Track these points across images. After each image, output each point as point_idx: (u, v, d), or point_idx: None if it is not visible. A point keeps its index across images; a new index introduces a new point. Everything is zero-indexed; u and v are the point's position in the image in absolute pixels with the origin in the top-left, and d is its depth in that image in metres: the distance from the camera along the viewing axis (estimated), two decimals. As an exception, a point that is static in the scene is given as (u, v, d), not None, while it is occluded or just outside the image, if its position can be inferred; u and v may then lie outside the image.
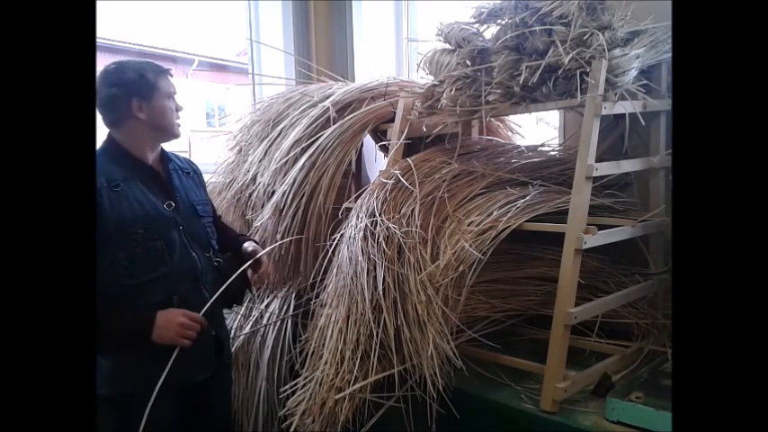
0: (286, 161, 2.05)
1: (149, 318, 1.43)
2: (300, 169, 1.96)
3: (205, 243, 1.62)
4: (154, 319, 1.42)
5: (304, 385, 1.48)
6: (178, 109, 1.58)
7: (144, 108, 1.49)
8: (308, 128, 2.11)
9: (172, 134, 1.58)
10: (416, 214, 1.57)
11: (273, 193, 2.08)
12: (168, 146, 1.66)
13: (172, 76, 1.58)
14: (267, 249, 1.82)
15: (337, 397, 1.38)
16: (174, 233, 1.52)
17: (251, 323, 2.12)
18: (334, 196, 1.97)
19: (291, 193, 1.93)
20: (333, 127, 2.05)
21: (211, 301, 1.53)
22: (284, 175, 2.03)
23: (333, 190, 1.96)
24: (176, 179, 1.62)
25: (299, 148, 2.06)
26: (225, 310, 1.75)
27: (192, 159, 1.78)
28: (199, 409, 1.61)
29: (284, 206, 1.95)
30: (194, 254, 1.55)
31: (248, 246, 1.76)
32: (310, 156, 1.98)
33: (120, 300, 1.42)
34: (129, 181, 1.48)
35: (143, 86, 1.49)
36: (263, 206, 2.16)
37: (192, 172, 1.71)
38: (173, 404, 1.50)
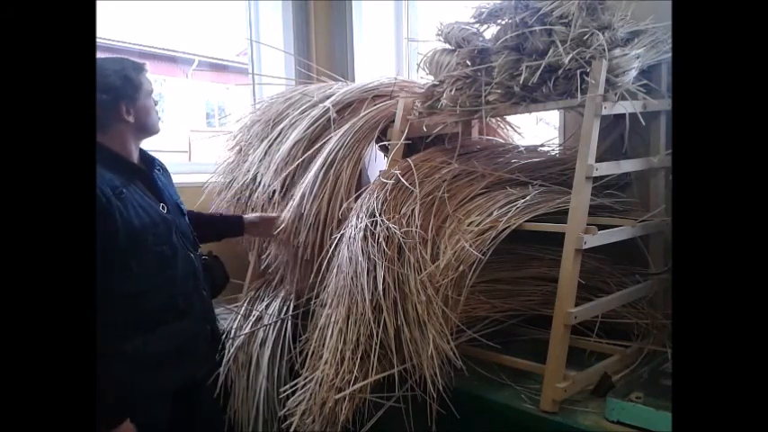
0: (287, 161, 2.03)
1: (120, 416, 1.35)
2: (321, 166, 1.93)
3: (192, 241, 1.62)
4: (121, 421, 1.34)
5: (304, 385, 1.47)
6: (156, 104, 1.56)
7: (131, 110, 1.46)
8: (308, 128, 2.10)
9: (154, 132, 1.56)
10: (416, 214, 1.57)
11: (274, 192, 2.08)
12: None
13: (147, 71, 1.54)
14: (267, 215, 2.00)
15: (337, 397, 1.38)
16: (173, 236, 1.51)
17: (251, 323, 2.12)
18: (352, 194, 1.91)
19: (312, 193, 1.89)
20: (345, 126, 2.03)
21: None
22: (293, 177, 2.01)
23: (351, 188, 1.92)
24: (158, 179, 1.59)
25: (301, 148, 2.06)
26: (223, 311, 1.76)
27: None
28: (193, 407, 1.61)
29: (305, 208, 1.89)
30: (191, 254, 1.55)
31: (252, 217, 1.93)
32: (329, 153, 1.95)
33: (126, 310, 1.39)
34: (128, 186, 1.45)
35: (129, 88, 1.45)
36: (263, 207, 2.16)
37: (161, 168, 1.67)
38: (171, 406, 1.51)
